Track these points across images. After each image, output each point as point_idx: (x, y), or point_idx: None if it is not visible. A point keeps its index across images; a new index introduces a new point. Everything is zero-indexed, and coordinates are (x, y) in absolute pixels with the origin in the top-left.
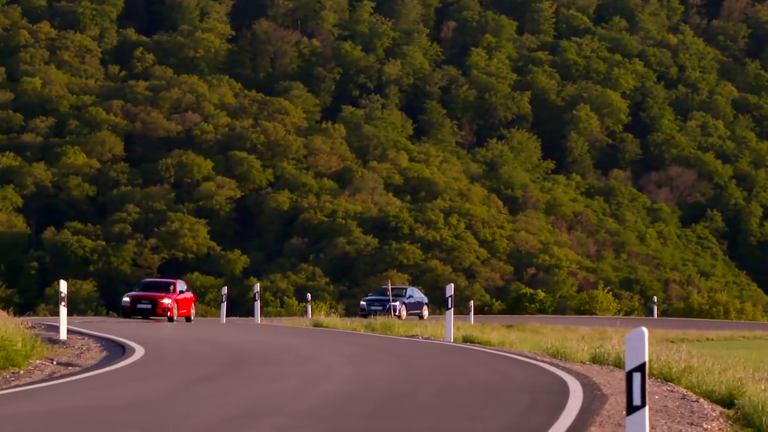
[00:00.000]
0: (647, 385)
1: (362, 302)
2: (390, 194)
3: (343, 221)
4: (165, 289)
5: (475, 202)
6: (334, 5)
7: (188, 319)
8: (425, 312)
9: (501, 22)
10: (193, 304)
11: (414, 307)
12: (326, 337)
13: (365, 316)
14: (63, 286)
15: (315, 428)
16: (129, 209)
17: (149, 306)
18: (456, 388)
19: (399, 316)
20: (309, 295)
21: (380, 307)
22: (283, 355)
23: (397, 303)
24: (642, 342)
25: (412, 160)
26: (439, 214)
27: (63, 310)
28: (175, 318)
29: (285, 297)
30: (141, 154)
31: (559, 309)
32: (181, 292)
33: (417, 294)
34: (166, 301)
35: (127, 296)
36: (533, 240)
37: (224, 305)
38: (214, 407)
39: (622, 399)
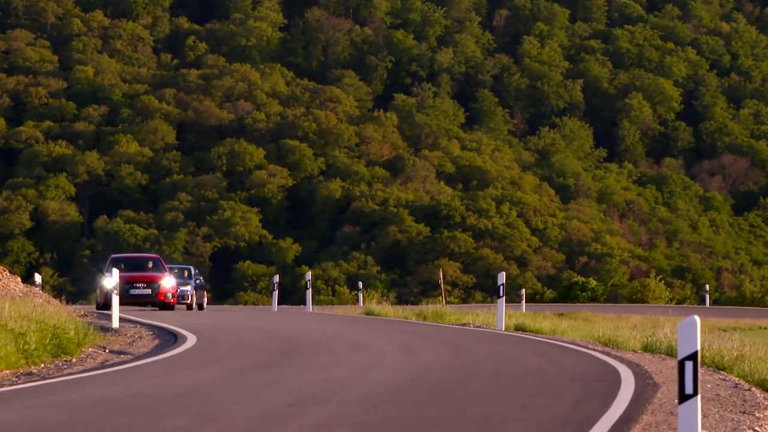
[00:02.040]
0: (699, 374)
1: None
2: (442, 183)
3: (395, 209)
4: (156, 268)
5: (526, 191)
6: None
7: (200, 307)
8: (205, 299)
9: (553, 10)
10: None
11: (200, 294)
12: (378, 325)
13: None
14: (115, 274)
15: (368, 417)
16: (181, 197)
17: (148, 291)
18: (508, 376)
19: (190, 306)
20: (360, 284)
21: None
22: (335, 343)
23: (188, 287)
24: (694, 330)
25: (463, 148)
26: (490, 202)
27: (115, 298)
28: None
29: (336, 285)
30: (193, 142)
31: (611, 297)
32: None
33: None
34: (167, 283)
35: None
36: (585, 228)
37: (276, 293)
38: (267, 395)
39: (674, 388)
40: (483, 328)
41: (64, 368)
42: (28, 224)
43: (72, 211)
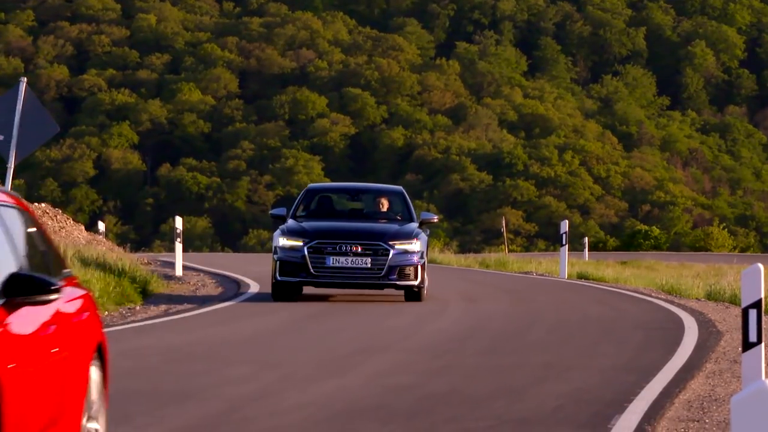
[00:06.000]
0: (763, 322)
1: None
2: (504, 131)
3: (457, 158)
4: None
5: (589, 139)
6: None
7: None
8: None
9: None
10: None
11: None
12: (440, 273)
13: None
14: (178, 222)
15: (429, 365)
16: (243, 146)
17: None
18: (570, 324)
19: (415, 292)
20: None
21: None
22: (396, 292)
23: (415, 247)
24: (758, 278)
25: (526, 96)
26: (553, 150)
27: (178, 246)
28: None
29: None
30: (255, 90)
31: (674, 246)
32: None
33: None
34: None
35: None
36: (648, 177)
37: None
38: (328, 343)
39: (738, 336)
40: (545, 276)
41: (128, 316)
42: (92, 172)
43: (135, 160)
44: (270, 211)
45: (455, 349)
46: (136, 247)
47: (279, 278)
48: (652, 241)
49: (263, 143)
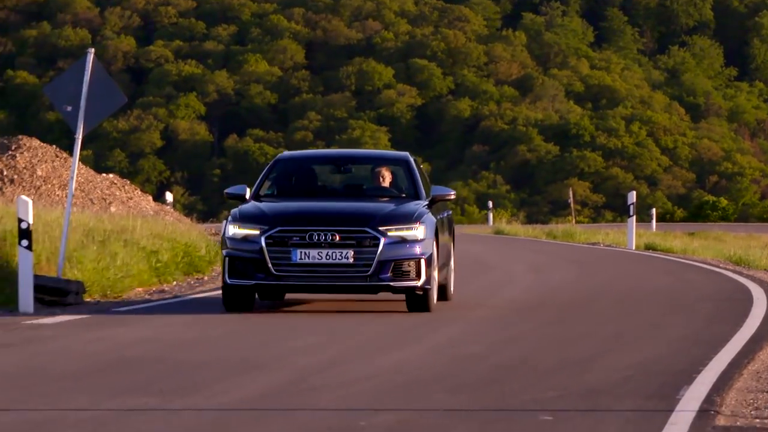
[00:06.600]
0: None
1: None
2: (571, 102)
3: (524, 129)
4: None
5: (656, 110)
6: None
7: None
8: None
9: None
10: None
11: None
12: (508, 244)
13: None
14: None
15: (499, 335)
16: (310, 117)
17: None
18: (638, 295)
19: (421, 296)
20: (490, 203)
21: None
22: (465, 262)
23: (418, 234)
24: None
25: (593, 67)
26: (620, 121)
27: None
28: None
29: (465, 205)
30: (322, 62)
31: (742, 217)
32: None
33: None
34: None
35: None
36: (716, 147)
37: None
38: (396, 314)
39: None
40: (613, 247)
41: (196, 286)
42: (159, 143)
43: (202, 130)
44: (226, 190)
45: (524, 320)
46: (204, 217)
47: (228, 281)
48: (720, 212)
49: (330, 114)
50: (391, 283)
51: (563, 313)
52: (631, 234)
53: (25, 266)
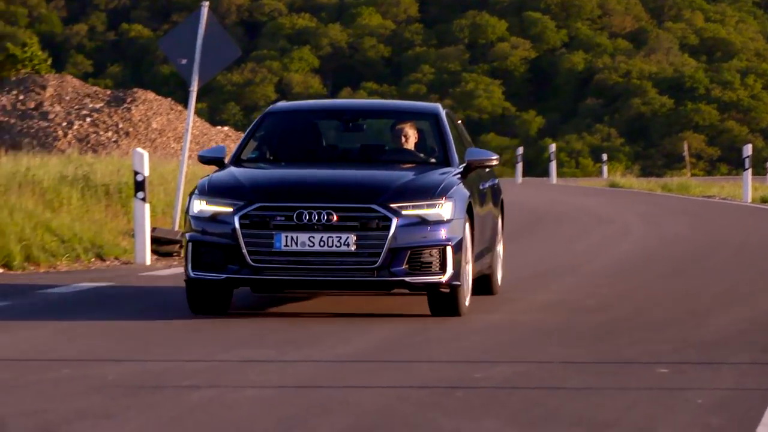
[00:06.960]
0: None
1: None
2: (685, 54)
3: (638, 82)
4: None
5: None
6: None
7: None
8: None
9: None
10: None
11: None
12: (622, 197)
13: None
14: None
15: (614, 288)
16: (424, 70)
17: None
18: (754, 248)
19: (449, 294)
20: (604, 156)
21: None
22: (579, 215)
23: (444, 213)
24: None
25: (707, 20)
26: (735, 74)
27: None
28: None
29: (580, 158)
30: (435, 15)
31: None
32: None
33: None
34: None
35: None
36: None
37: (519, 165)
38: (512, 266)
39: None
40: (728, 200)
41: None
42: (273, 96)
43: (316, 84)
44: (199, 153)
45: (639, 272)
46: None
47: (192, 274)
48: None
49: (443, 67)
50: (407, 279)
51: (678, 266)
52: (747, 187)
53: (141, 218)
